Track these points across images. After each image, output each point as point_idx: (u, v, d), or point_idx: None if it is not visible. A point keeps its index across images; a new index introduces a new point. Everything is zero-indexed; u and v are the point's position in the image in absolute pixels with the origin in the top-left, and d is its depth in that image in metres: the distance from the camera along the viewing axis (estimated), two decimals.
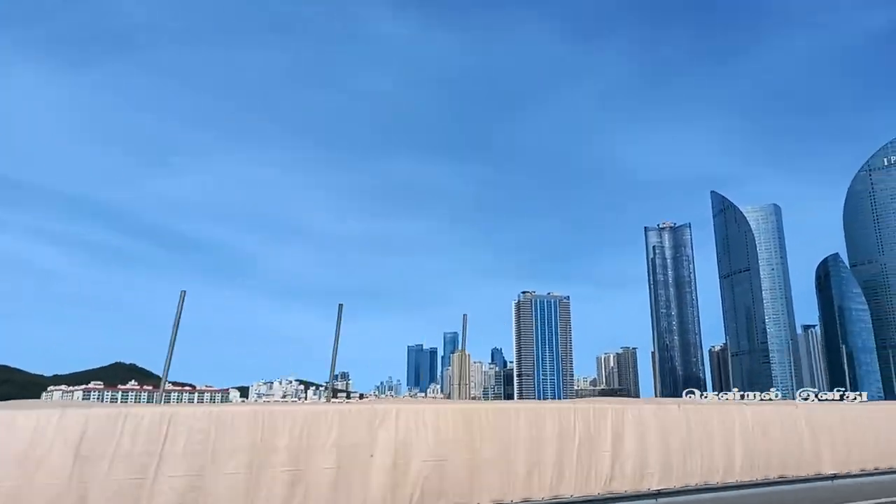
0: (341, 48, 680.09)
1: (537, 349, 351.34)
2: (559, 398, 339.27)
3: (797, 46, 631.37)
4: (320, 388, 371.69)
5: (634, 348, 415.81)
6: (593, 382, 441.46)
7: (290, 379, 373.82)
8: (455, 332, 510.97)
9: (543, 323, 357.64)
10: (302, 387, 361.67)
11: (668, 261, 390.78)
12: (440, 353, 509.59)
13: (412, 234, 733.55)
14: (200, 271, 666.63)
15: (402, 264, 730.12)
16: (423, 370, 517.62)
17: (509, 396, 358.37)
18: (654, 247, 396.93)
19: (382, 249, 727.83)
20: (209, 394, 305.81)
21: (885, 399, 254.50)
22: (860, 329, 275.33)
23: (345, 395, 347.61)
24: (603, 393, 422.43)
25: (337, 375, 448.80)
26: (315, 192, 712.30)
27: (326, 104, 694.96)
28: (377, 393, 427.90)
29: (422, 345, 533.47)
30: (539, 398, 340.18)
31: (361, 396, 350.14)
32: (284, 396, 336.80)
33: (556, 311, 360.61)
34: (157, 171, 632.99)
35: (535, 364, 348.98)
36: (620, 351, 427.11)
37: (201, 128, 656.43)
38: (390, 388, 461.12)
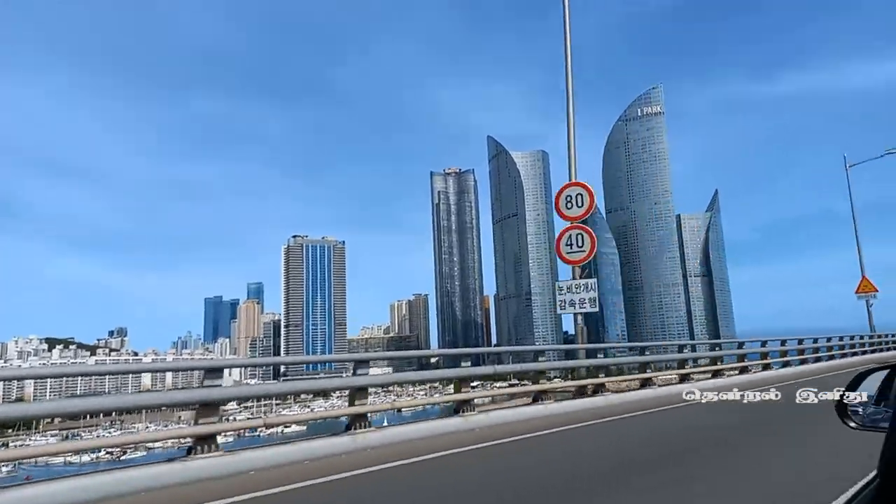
0: None
1: (307, 298, 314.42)
2: (330, 350, 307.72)
3: (594, 9, 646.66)
4: (72, 346, 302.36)
5: (426, 294, 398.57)
6: (386, 330, 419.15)
7: (29, 338, 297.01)
8: (259, 283, 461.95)
9: (315, 270, 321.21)
10: (45, 346, 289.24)
11: (452, 206, 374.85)
12: (242, 304, 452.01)
13: (221, 178, 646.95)
14: None
15: (208, 211, 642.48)
16: (223, 323, 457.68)
17: (277, 348, 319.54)
18: (438, 192, 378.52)
19: (188, 194, 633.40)
20: None
21: (629, 338, 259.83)
22: (610, 272, 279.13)
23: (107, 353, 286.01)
24: (392, 341, 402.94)
25: (112, 332, 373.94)
26: (106, 126, 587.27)
27: (119, 27, 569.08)
28: (175, 349, 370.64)
29: (221, 296, 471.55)
30: (308, 350, 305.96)
31: (136, 354, 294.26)
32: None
33: (329, 258, 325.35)
34: None
35: (305, 314, 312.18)
36: (412, 298, 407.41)
37: None
38: (185, 345, 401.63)
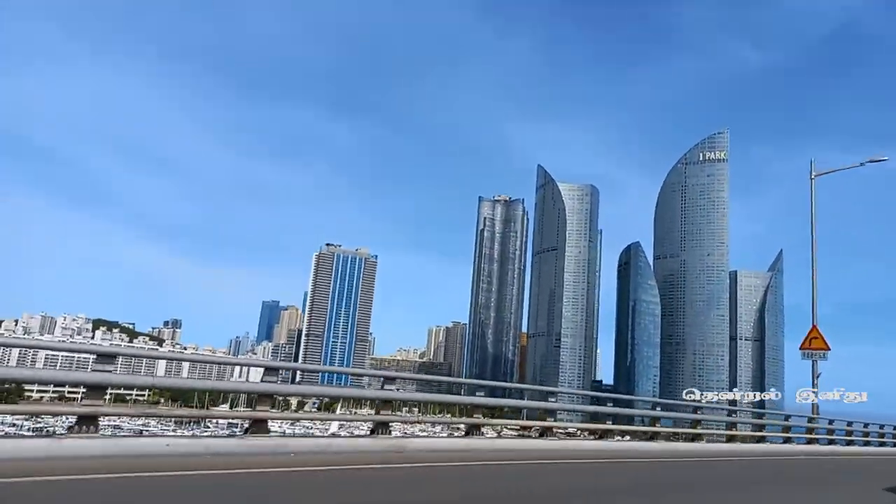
0: None
1: (331, 308, 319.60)
2: (348, 365, 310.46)
3: (680, 67, 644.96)
4: (114, 330, 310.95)
5: (465, 323, 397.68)
6: (421, 354, 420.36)
7: (77, 316, 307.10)
8: None
9: (343, 281, 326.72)
10: (89, 325, 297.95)
11: (497, 234, 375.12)
12: (285, 310, 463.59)
13: (288, 184, 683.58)
14: (38, 188, 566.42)
15: (279, 214, 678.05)
16: (275, 327, 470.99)
17: (297, 356, 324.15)
18: (485, 218, 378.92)
19: (264, 197, 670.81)
20: None
21: (661, 394, 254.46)
22: (648, 322, 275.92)
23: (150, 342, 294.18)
24: (423, 366, 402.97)
25: (167, 322, 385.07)
26: (190, 123, 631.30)
27: (211, 36, 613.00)
28: (230, 347, 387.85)
29: (278, 301, 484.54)
30: (325, 362, 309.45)
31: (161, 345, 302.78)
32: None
33: (359, 271, 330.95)
34: None
35: (327, 324, 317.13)
36: (451, 325, 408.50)
37: (57, 31, 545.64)
38: (240, 346, 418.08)
